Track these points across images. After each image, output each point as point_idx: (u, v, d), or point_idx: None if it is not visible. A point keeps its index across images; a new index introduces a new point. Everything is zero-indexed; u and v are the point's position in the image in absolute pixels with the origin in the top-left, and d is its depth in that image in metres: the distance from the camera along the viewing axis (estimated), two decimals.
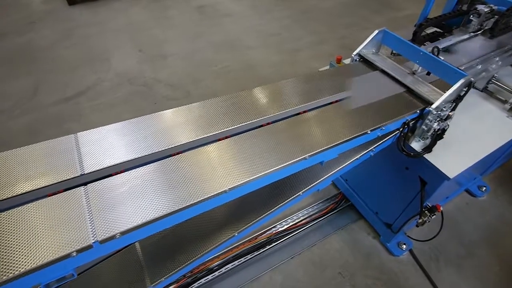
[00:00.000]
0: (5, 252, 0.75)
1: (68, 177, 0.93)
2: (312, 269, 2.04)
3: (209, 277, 1.95)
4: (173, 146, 1.07)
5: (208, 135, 1.14)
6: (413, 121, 1.46)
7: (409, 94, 1.53)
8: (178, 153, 1.07)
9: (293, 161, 1.09)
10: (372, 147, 1.46)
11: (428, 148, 1.50)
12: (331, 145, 1.19)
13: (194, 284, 1.91)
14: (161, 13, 4.84)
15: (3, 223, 0.81)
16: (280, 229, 2.21)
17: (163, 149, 1.06)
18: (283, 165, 1.07)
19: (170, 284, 1.83)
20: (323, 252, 2.12)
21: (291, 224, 2.25)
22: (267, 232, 2.18)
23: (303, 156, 1.11)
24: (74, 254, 0.77)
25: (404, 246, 2.06)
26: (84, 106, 3.17)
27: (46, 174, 0.94)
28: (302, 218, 2.29)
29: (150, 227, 0.84)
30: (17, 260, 0.74)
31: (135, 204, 0.86)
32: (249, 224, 1.32)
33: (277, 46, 4.14)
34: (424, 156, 1.50)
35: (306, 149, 1.14)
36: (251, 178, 1.00)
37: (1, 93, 3.28)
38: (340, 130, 1.27)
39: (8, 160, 0.98)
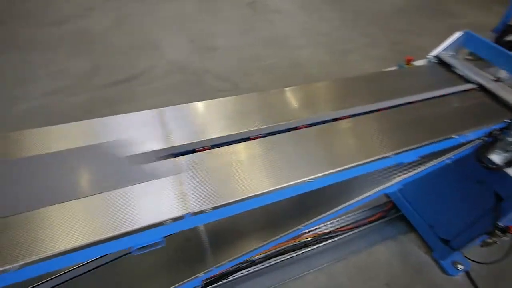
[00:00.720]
0: (111, 216, 0.76)
1: (157, 148, 0.94)
2: (358, 277, 1.95)
3: (251, 269, 1.94)
4: (250, 130, 1.06)
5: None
6: (499, 131, 1.35)
7: (494, 101, 1.42)
8: (256, 137, 1.05)
9: (377, 157, 1.03)
10: (449, 155, 1.37)
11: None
12: (414, 146, 1.12)
13: (236, 274, 1.90)
14: (212, 5, 4.92)
15: None
16: (325, 231, 2.15)
17: (243, 130, 1.05)
18: (369, 160, 1.02)
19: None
20: (369, 261, 2.03)
21: (337, 227, 2.18)
22: (312, 232, 2.13)
23: (385, 154, 1.06)
24: (167, 222, 0.77)
25: (461, 266, 1.92)
26: (137, 90, 3.28)
27: (136, 144, 0.96)
28: (348, 222, 2.22)
29: (242, 204, 0.82)
30: (118, 223, 0.75)
31: (228, 182, 0.85)
32: (312, 220, 1.29)
33: (326, 46, 4.06)
34: (504, 170, 1.39)
35: (389, 147, 1.09)
36: (338, 169, 0.97)
37: (62, 72, 3.47)
38: (421, 131, 1.20)
39: (104, 126, 1.02)
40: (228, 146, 0.99)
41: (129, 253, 1.18)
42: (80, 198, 0.79)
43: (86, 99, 3.13)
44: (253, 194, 0.83)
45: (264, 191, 0.86)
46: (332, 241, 2.14)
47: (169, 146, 0.95)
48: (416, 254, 2.05)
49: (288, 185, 0.89)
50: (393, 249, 2.09)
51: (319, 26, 4.48)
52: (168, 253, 1.20)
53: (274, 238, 1.26)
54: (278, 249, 2.02)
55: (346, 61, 3.79)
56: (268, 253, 1.99)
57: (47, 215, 0.75)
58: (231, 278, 1.89)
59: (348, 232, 2.18)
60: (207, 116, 1.09)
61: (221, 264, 1.15)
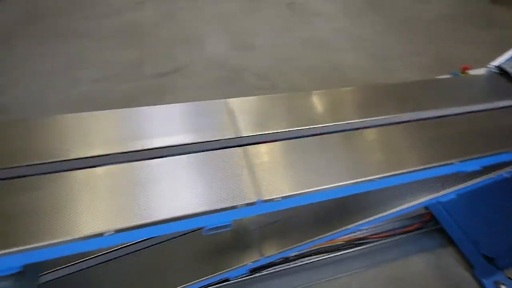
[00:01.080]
0: (190, 193, 0.82)
1: (223, 137, 0.99)
2: (390, 286, 1.92)
3: (284, 265, 1.96)
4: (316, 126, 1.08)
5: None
6: None
7: None
8: (320, 134, 1.07)
9: (441, 163, 1.03)
10: (508, 168, 1.33)
11: None
12: (477, 155, 1.10)
13: (269, 269, 1.93)
14: (252, 5, 4.99)
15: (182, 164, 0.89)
16: (360, 236, 2.13)
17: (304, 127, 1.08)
18: (429, 166, 1.02)
19: None
20: (404, 271, 1.99)
21: (371, 233, 2.16)
22: (346, 236, 2.12)
23: (448, 161, 1.04)
24: (240, 207, 0.82)
25: (503, 287, 1.84)
26: (179, 82, 3.40)
27: (202, 130, 1.02)
28: (383, 230, 2.18)
29: (310, 196, 0.85)
30: (197, 202, 0.80)
31: (296, 173, 0.88)
32: (354, 224, 1.30)
33: (368, 52, 4.00)
34: None
35: (448, 154, 1.07)
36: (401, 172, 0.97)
37: (112, 61, 3.67)
38: (481, 142, 1.17)
39: (168, 113, 1.08)
40: (290, 140, 1.02)
41: (175, 237, 1.25)
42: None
43: (132, 87, 3.29)
44: (322, 188, 0.86)
45: (328, 186, 0.88)
46: (366, 247, 2.12)
47: (236, 136, 0.99)
48: (454, 269, 1.99)
49: (354, 182, 0.91)
50: (429, 262, 2.03)
51: (361, 31, 4.42)
52: (217, 240, 1.25)
53: (318, 237, 1.28)
54: (312, 249, 2.04)
55: (388, 68, 3.72)
56: (303, 251, 2.01)
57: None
58: (264, 272, 1.92)
59: (382, 239, 2.15)
60: (268, 110, 1.13)
61: (270, 255, 1.19)
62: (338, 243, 2.10)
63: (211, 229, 0.85)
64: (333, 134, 1.04)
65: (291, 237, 1.26)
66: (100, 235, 0.71)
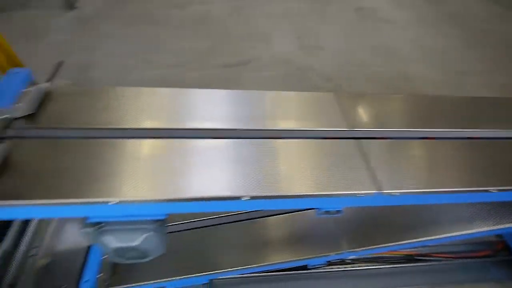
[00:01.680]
0: (310, 174, 0.86)
1: (337, 128, 1.02)
2: None
3: (341, 267, 1.95)
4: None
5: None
6: None
7: None
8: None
9: None
10: None
11: None
12: None
13: (326, 267, 1.94)
14: (320, 6, 4.97)
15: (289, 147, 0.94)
16: (422, 252, 2.05)
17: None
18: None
19: None
20: None
21: (434, 251, 2.06)
22: (408, 249, 2.05)
23: None
24: (358, 195, 0.84)
25: None
26: (245, 75, 3.50)
27: (313, 119, 1.05)
28: (448, 250, 2.08)
29: (430, 196, 0.85)
30: (315, 184, 0.84)
31: (414, 173, 0.89)
32: (424, 239, 1.27)
33: (441, 65, 3.80)
34: None
35: None
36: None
37: (183, 49, 3.88)
38: None
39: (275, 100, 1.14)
40: (403, 140, 1.02)
41: (275, 214, 1.31)
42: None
43: (202, 75, 3.46)
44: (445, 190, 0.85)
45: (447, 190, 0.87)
46: (426, 264, 2.03)
47: (350, 129, 1.02)
48: None
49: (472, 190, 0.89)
50: None
51: (434, 42, 4.21)
52: (303, 227, 1.29)
53: (395, 243, 1.26)
54: (371, 256, 2.00)
55: (462, 84, 3.50)
56: (361, 257, 1.98)
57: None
58: (321, 270, 1.93)
59: (447, 260, 2.05)
60: (380, 108, 1.14)
61: (354, 250, 1.20)
62: (399, 254, 2.04)
63: (324, 212, 0.88)
64: (448, 141, 1.02)
65: (372, 237, 1.26)
66: (238, 198, 0.78)
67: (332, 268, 1.94)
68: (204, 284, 1.36)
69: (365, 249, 1.19)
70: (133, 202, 0.75)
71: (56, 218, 1.53)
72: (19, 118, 0.88)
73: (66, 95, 0.98)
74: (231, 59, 3.73)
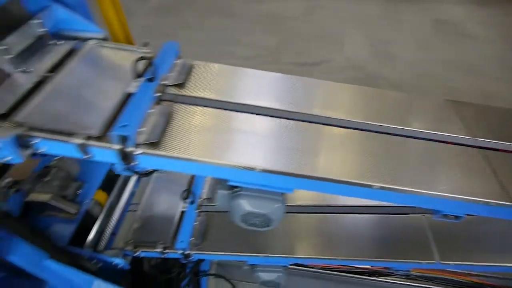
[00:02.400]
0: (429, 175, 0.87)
1: (456, 135, 1.01)
2: None
3: (403, 280, 1.91)
4: None
5: None
6: None
7: None
8: None
9: None
10: None
11: None
12: None
13: (387, 278, 1.91)
14: (396, 14, 4.81)
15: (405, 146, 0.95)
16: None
17: None
18: None
19: None
20: None
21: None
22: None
23: None
24: (490, 204, 0.83)
25: None
26: (316, 76, 3.52)
27: (428, 121, 1.05)
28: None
29: None
30: (435, 185, 0.85)
31: None
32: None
33: None
34: None
35: None
36: None
37: (256, 43, 4.01)
38: None
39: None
40: None
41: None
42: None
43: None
44: None
45: None
46: None
47: (471, 137, 1.00)
48: None
49: None
50: None
51: None
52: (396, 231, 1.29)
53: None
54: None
55: None
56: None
57: None
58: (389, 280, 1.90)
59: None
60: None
61: (447, 263, 1.18)
62: (467, 280, 1.94)
63: (442, 216, 0.89)
64: None
65: (467, 252, 1.22)
66: (369, 186, 0.82)
67: (393, 280, 1.91)
68: (283, 266, 1.43)
69: (461, 264, 1.16)
70: (274, 172, 0.82)
71: (152, 180, 1.69)
72: (171, 85, 1.01)
73: (207, 69, 1.10)
74: (302, 58, 3.78)
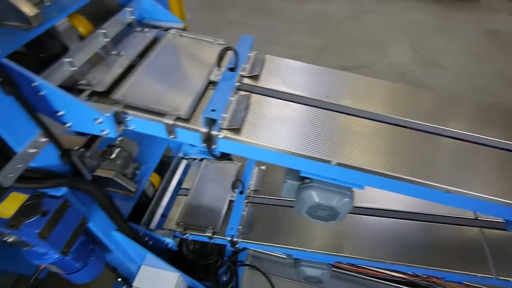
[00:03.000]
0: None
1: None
2: None
3: None
4: None
5: None
6: None
7: None
8: None
9: None
10: None
11: None
12: None
13: None
14: (446, 22, 4.63)
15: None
16: None
17: None
18: None
19: None
20: None
21: None
22: None
23: None
24: None
25: None
26: None
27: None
28: None
29: None
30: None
31: None
32: None
33: None
34: None
35: None
36: None
37: (298, 44, 4.02)
38: None
39: None
40: None
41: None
42: None
43: None
44: None
45: None
46: None
47: None
48: None
49: None
50: None
51: None
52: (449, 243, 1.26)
53: None
54: None
55: None
56: None
57: None
58: None
59: None
60: None
61: (505, 279, 1.14)
62: None
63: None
64: None
65: None
66: (446, 190, 0.82)
67: None
68: (328, 264, 1.44)
69: None
70: (349, 167, 0.84)
71: (202, 168, 1.76)
72: (247, 76, 1.05)
73: (278, 63, 1.14)
74: (345, 61, 3.74)
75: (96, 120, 0.82)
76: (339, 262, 1.52)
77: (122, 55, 1.01)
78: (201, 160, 1.87)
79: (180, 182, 1.74)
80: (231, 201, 1.57)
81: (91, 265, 1.05)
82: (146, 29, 1.14)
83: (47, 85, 0.76)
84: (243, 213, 1.52)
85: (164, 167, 1.77)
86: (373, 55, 3.89)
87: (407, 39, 4.23)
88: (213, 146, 0.89)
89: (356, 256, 1.30)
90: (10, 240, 0.79)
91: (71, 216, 0.84)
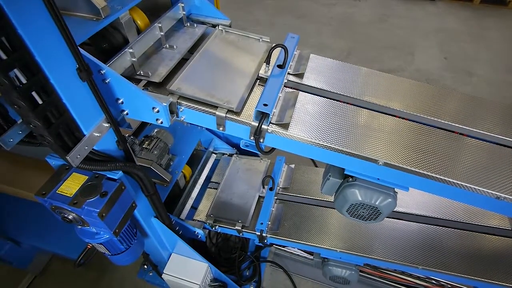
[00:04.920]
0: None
1: None
2: None
3: None
4: None
5: None
6: None
7: None
8: None
9: None
10: None
11: None
12: None
13: None
14: (477, 30, 4.50)
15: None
16: None
17: None
18: None
19: None
20: None
21: None
22: None
23: None
24: None
25: None
26: None
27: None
28: None
29: None
30: None
31: None
32: None
33: None
34: None
35: None
36: None
37: (325, 46, 4.01)
38: None
39: None
40: None
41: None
42: None
43: None
44: None
45: None
46: None
47: None
48: None
49: None
50: None
51: None
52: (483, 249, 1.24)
53: None
54: None
55: None
56: None
57: None
58: None
59: None
60: None
61: None
62: None
63: None
64: None
65: None
66: (498, 198, 0.81)
67: None
68: (356, 265, 1.44)
69: None
70: (396, 168, 0.85)
71: (231, 164, 1.79)
72: (292, 74, 1.08)
73: (322, 62, 1.16)
74: (371, 65, 3.70)
75: (154, 109, 0.86)
76: (367, 265, 1.51)
77: (175, 49, 1.06)
78: (230, 155, 1.90)
79: (209, 176, 1.78)
80: (260, 197, 1.60)
81: (133, 248, 1.10)
82: (195, 25, 1.18)
83: (113, 73, 0.81)
84: (272, 209, 1.55)
85: (195, 160, 1.82)
86: (400, 60, 3.83)
87: (436, 45, 4.14)
88: (260, 140, 0.92)
89: (387, 259, 1.30)
90: (70, 217, 0.84)
91: (125, 199, 0.89)
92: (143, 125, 1.49)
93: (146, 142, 1.54)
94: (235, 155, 1.86)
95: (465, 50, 4.08)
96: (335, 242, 1.40)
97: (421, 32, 4.39)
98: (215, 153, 1.92)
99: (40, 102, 0.65)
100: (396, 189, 0.93)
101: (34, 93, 0.63)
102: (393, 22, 4.57)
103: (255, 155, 1.89)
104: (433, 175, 0.83)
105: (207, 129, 1.85)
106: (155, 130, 1.65)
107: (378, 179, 0.90)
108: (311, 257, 2.02)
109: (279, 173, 1.69)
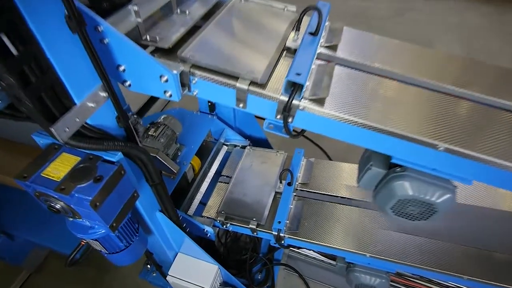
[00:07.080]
0: None
1: None
2: None
3: None
4: None
5: None
6: None
7: None
8: None
9: None
10: None
11: None
12: None
13: None
14: (500, 26, 4.27)
15: None
16: None
17: None
18: None
19: None
20: None
21: None
22: None
23: None
24: None
25: None
26: None
27: None
28: None
29: None
30: None
31: None
32: None
33: None
34: None
35: None
36: None
37: None
38: None
39: None
40: None
41: None
42: None
43: None
44: None
45: None
46: None
47: None
48: None
49: None
50: None
51: None
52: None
53: None
54: None
55: None
56: None
57: None
58: None
59: None
60: None
61: None
62: None
63: None
64: None
65: None
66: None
67: None
68: (387, 272, 1.27)
69: None
70: (461, 155, 0.69)
71: (244, 156, 1.63)
72: (324, 46, 0.92)
73: (355, 35, 1.00)
74: None
75: (162, 78, 0.71)
76: (400, 273, 1.34)
77: (187, 15, 0.90)
78: (243, 147, 1.75)
79: (219, 170, 1.63)
80: (276, 193, 1.44)
81: (134, 246, 0.94)
82: None
83: (113, 31, 0.66)
84: (291, 206, 1.38)
85: (204, 152, 1.66)
86: None
87: (457, 41, 3.93)
88: (289, 120, 0.76)
89: (427, 267, 1.13)
90: (58, 206, 0.69)
91: (124, 186, 0.74)
92: (146, 107, 1.34)
93: (152, 129, 1.39)
94: (248, 147, 1.69)
95: (488, 46, 3.87)
96: (363, 246, 1.22)
97: (441, 27, 4.18)
98: (226, 145, 1.76)
99: (15, 52, 0.50)
100: (455, 182, 0.75)
101: (5, 38, 0.47)
102: (411, 17, 4.37)
103: (269, 148, 1.73)
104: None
105: (218, 118, 1.70)
106: (162, 117, 1.50)
107: (434, 169, 0.73)
108: (329, 261, 1.85)
109: (298, 167, 1.52)
